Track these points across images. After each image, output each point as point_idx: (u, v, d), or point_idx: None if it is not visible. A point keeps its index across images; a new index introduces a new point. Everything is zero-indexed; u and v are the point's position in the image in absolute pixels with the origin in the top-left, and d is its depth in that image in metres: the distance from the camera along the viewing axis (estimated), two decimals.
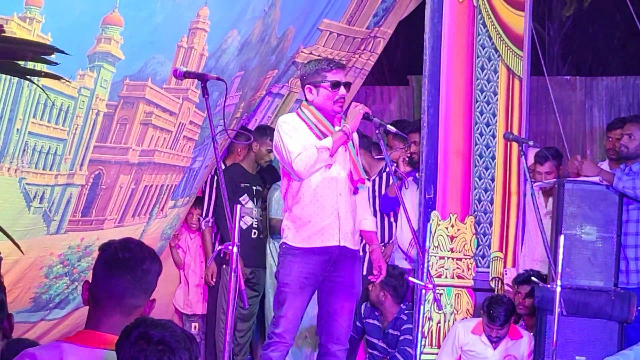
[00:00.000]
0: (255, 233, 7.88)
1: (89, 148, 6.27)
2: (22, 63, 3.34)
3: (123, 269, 3.18)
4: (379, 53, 8.86)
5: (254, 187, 7.96)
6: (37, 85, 4.98)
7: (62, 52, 2.24)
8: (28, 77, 2.22)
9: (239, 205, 4.72)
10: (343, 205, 5.81)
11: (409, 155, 7.85)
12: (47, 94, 5.45)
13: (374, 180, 8.05)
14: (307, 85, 5.80)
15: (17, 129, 5.68)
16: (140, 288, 3.20)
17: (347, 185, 5.83)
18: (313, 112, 5.78)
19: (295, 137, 5.69)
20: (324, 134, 5.75)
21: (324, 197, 5.75)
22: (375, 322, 7.63)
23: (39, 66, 4.07)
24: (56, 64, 2.30)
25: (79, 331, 3.20)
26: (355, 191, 5.91)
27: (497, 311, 7.00)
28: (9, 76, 5.41)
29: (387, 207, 7.91)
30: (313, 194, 5.74)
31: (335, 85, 5.75)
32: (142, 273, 3.19)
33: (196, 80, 5.90)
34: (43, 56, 2.22)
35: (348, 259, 5.84)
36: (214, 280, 7.89)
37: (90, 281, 3.24)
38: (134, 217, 7.09)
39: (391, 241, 7.97)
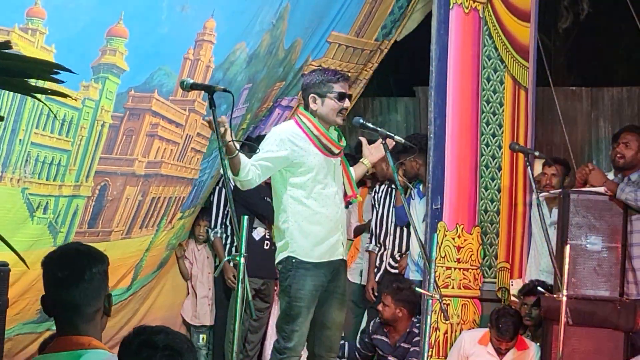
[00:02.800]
0: (267, 244, 7.85)
1: (95, 159, 6.29)
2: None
3: (67, 286, 3.20)
4: (377, 64, 8.88)
5: (266, 198, 7.97)
6: (42, 102, 5.00)
7: (69, 70, 2.26)
8: (35, 94, 2.23)
9: (246, 216, 4.75)
10: (343, 219, 5.92)
11: (403, 169, 7.88)
12: (49, 107, 5.46)
13: (375, 194, 8.13)
14: (312, 95, 5.81)
15: (20, 140, 5.70)
16: (91, 295, 3.22)
17: (342, 200, 5.91)
18: (313, 122, 5.78)
19: (268, 152, 5.68)
20: (325, 146, 5.77)
21: (329, 212, 5.78)
22: (384, 337, 7.61)
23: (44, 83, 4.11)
24: (62, 82, 2.32)
25: (54, 340, 3.24)
26: (347, 205, 6.00)
27: (506, 325, 6.99)
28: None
29: (401, 217, 7.91)
30: (318, 208, 5.76)
31: (341, 97, 5.79)
32: (87, 283, 3.20)
33: (203, 92, 5.92)
34: (50, 75, 2.24)
35: (343, 269, 5.95)
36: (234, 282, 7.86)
37: (44, 295, 3.27)
38: (142, 229, 7.10)
39: (406, 253, 7.97)
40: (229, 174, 5.37)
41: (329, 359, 5.93)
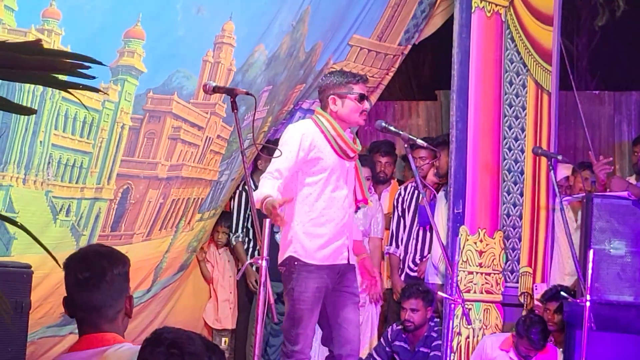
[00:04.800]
0: None
1: (116, 162, 6.29)
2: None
3: (88, 288, 3.21)
4: (396, 67, 8.84)
5: None
6: (76, 97, 5.01)
7: (100, 63, 2.25)
8: (68, 89, 2.23)
9: (267, 220, 4.74)
10: (350, 223, 5.89)
11: (436, 168, 7.85)
12: (80, 100, 5.47)
13: (400, 196, 8.08)
14: (332, 96, 5.80)
15: (41, 141, 5.71)
16: (112, 296, 3.23)
17: (352, 204, 5.90)
18: (333, 124, 5.76)
19: (284, 154, 5.64)
20: (342, 149, 5.75)
21: (336, 215, 5.76)
22: (403, 343, 7.57)
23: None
24: (94, 77, 2.31)
25: (78, 339, 3.25)
26: (357, 210, 5.98)
27: (537, 334, 6.93)
28: (32, 88, 5.44)
29: (424, 219, 7.87)
30: (326, 210, 5.75)
31: (362, 98, 5.79)
32: (108, 284, 3.22)
33: (223, 95, 5.92)
34: (79, 70, 2.24)
35: (351, 271, 5.90)
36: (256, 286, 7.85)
37: (66, 296, 3.28)
38: (161, 231, 7.11)
39: (427, 256, 7.93)
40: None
41: (349, 358, 5.90)
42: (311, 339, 5.76)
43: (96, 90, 2.39)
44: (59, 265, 2.44)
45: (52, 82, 2.22)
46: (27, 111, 2.38)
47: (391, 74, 8.83)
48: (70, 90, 2.23)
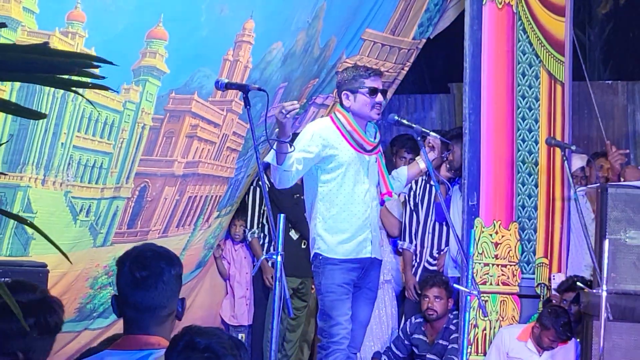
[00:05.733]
0: (305, 243, 7.82)
1: (135, 161, 6.33)
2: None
3: (144, 287, 3.19)
4: (411, 62, 8.82)
5: (302, 198, 7.97)
6: (83, 97, 5.04)
7: (110, 62, 2.25)
8: (74, 89, 2.24)
9: (282, 215, 4.77)
10: (374, 217, 5.91)
11: (450, 161, 7.83)
12: (94, 106, 5.50)
13: (411, 190, 8.05)
14: (345, 91, 5.86)
15: (62, 143, 5.74)
16: (166, 297, 3.22)
17: (376, 197, 5.91)
18: (348, 119, 5.82)
19: (302, 149, 5.67)
20: (358, 143, 5.79)
21: (358, 209, 5.80)
22: (421, 336, 7.58)
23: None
24: (103, 77, 2.32)
25: (121, 338, 3.24)
26: (382, 203, 6.01)
27: (565, 326, 6.93)
28: (53, 91, 5.48)
29: (440, 214, 7.87)
30: (347, 206, 5.78)
31: (373, 91, 5.81)
32: (164, 284, 3.21)
33: (240, 92, 5.95)
34: (89, 70, 2.24)
35: (375, 267, 5.97)
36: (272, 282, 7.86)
37: (117, 295, 3.26)
38: (178, 228, 7.14)
39: (445, 249, 7.93)
40: (273, 162, 5.41)
41: (352, 354, 5.93)
42: (347, 331, 5.79)
43: (105, 88, 2.40)
44: (68, 260, 2.44)
45: (60, 82, 2.22)
46: (37, 115, 2.39)
47: (406, 69, 8.83)
48: (77, 89, 2.24)
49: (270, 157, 5.51)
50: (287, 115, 5.23)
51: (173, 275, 3.24)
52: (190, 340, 2.78)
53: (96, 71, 2.31)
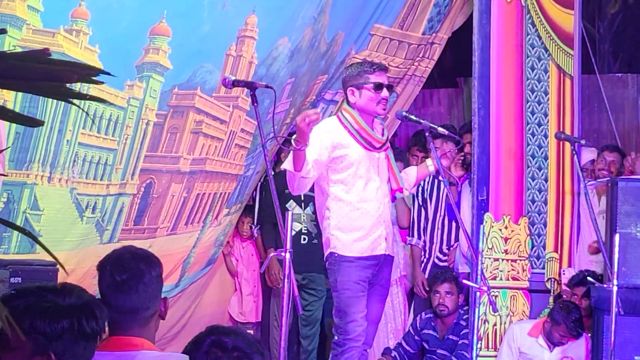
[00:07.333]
0: (305, 239, 7.81)
1: (140, 158, 6.33)
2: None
3: (125, 290, 3.19)
4: (435, 59, 8.71)
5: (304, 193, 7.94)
6: (82, 110, 5.03)
7: (109, 73, 2.25)
8: (71, 100, 2.22)
9: (290, 212, 4.74)
10: (387, 213, 5.89)
11: (462, 157, 7.80)
12: (86, 112, 5.51)
13: (419, 186, 8.00)
14: (350, 88, 5.82)
15: (67, 140, 5.75)
16: (148, 299, 3.21)
17: (387, 194, 5.89)
18: (354, 116, 5.78)
19: (313, 153, 5.61)
20: (367, 141, 5.76)
21: (370, 207, 5.78)
22: (431, 331, 7.56)
23: (84, 86, 4.12)
24: (102, 82, 2.31)
25: (106, 339, 3.24)
26: (393, 199, 6.00)
27: (576, 322, 6.91)
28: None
29: (452, 213, 7.82)
30: (359, 204, 5.76)
31: (378, 87, 5.77)
32: (145, 286, 3.20)
33: (246, 89, 5.93)
34: (89, 77, 2.22)
35: (388, 264, 5.95)
36: (276, 280, 7.83)
37: (100, 298, 3.23)
38: (187, 225, 7.13)
39: (456, 244, 7.90)
40: (290, 168, 5.39)
41: (363, 350, 5.92)
42: (362, 328, 5.77)
43: (102, 100, 2.38)
44: (62, 267, 2.44)
45: (58, 92, 2.21)
46: (35, 123, 2.37)
47: (430, 67, 8.63)
48: (75, 100, 2.22)
49: (288, 164, 5.47)
50: (310, 124, 5.19)
51: (154, 276, 3.23)
52: (217, 340, 2.77)
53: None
